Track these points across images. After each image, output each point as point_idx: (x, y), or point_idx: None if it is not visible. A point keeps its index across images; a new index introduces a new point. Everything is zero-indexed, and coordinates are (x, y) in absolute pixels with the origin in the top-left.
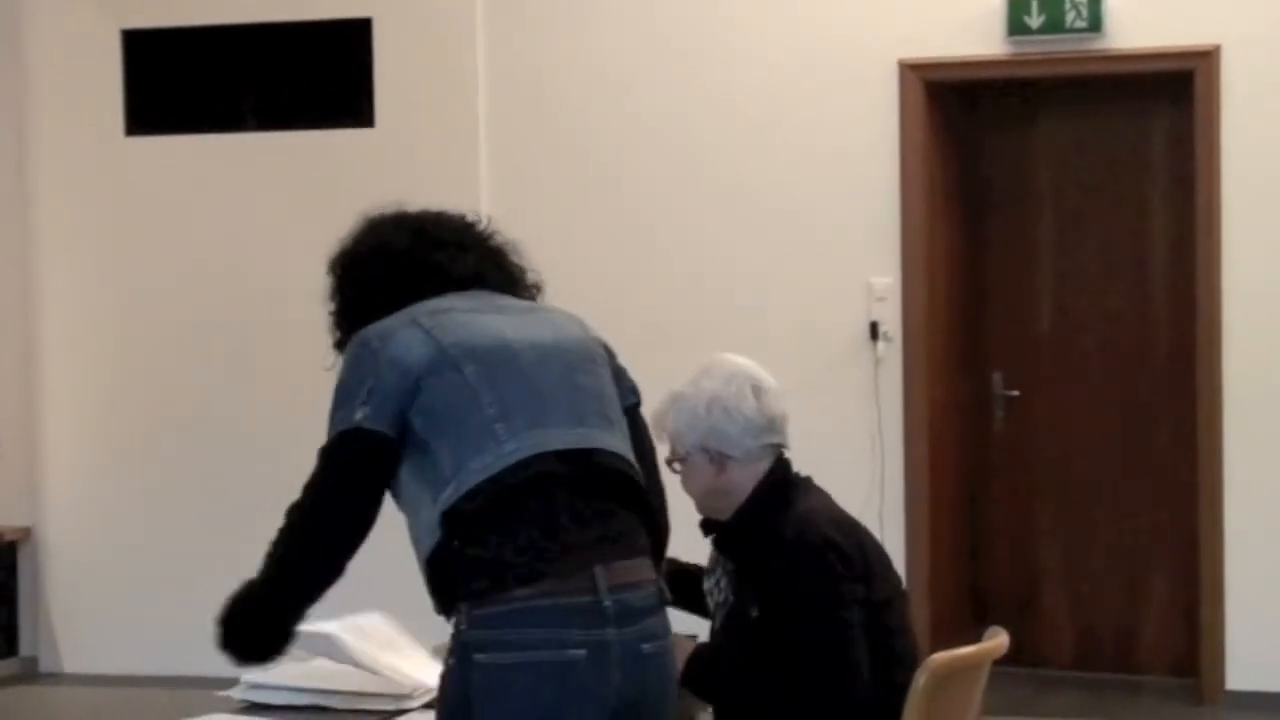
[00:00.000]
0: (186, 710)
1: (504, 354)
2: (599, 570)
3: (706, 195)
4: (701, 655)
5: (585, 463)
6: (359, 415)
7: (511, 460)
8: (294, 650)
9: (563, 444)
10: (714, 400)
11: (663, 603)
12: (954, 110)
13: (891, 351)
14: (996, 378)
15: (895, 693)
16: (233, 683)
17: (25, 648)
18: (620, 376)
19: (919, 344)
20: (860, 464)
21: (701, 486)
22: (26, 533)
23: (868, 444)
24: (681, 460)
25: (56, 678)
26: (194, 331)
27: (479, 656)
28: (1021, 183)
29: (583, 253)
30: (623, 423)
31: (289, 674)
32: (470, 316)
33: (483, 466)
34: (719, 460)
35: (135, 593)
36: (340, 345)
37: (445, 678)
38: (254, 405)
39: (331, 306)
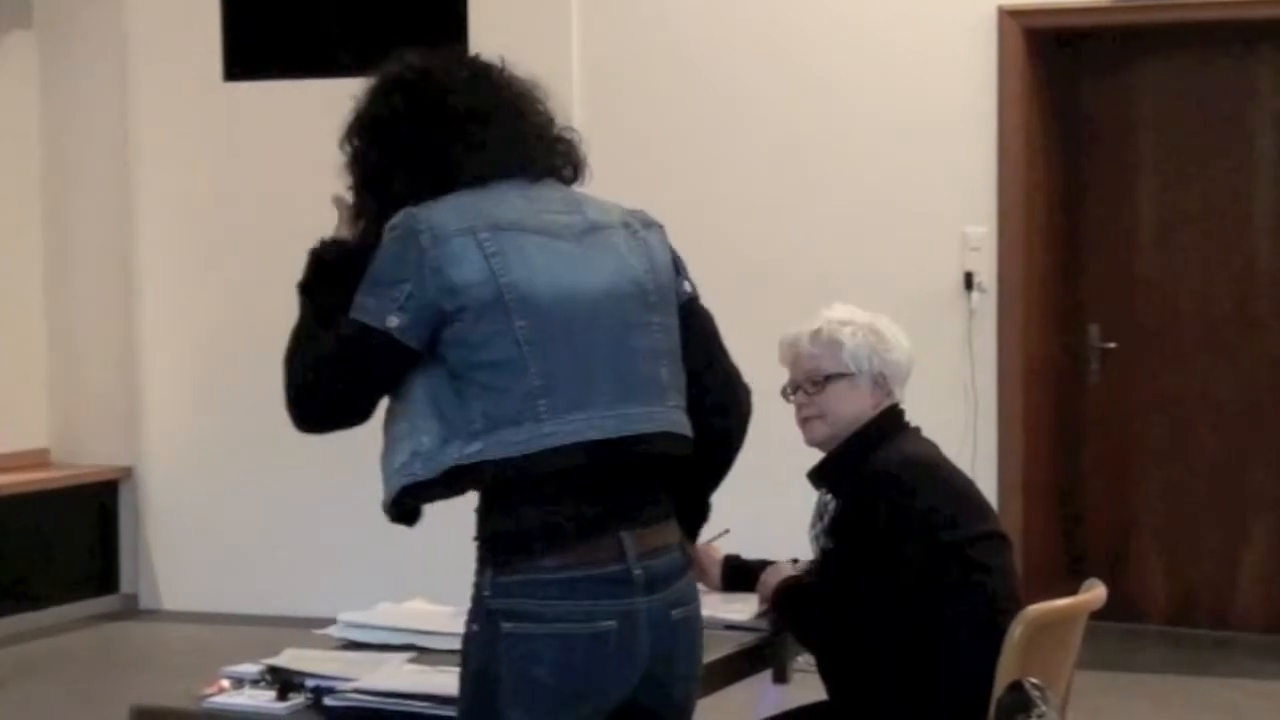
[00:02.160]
0: (284, 648)
1: (559, 309)
2: (626, 537)
3: (801, 143)
4: (787, 587)
5: (623, 451)
6: (393, 322)
7: (547, 445)
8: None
9: (602, 433)
10: (897, 338)
11: (689, 565)
12: (1054, 58)
13: (986, 302)
14: (1093, 329)
15: (990, 630)
16: (330, 621)
17: (125, 585)
18: (678, 268)
19: (1014, 295)
20: (953, 415)
21: (852, 413)
22: (127, 472)
23: (961, 395)
24: (845, 378)
25: (156, 614)
26: (291, 274)
27: (506, 625)
28: (1121, 132)
29: (677, 199)
30: (677, 372)
31: (386, 614)
32: (530, 242)
33: (516, 442)
34: (880, 395)
35: (234, 532)
36: (373, 228)
37: (469, 642)
38: None
39: (351, 179)
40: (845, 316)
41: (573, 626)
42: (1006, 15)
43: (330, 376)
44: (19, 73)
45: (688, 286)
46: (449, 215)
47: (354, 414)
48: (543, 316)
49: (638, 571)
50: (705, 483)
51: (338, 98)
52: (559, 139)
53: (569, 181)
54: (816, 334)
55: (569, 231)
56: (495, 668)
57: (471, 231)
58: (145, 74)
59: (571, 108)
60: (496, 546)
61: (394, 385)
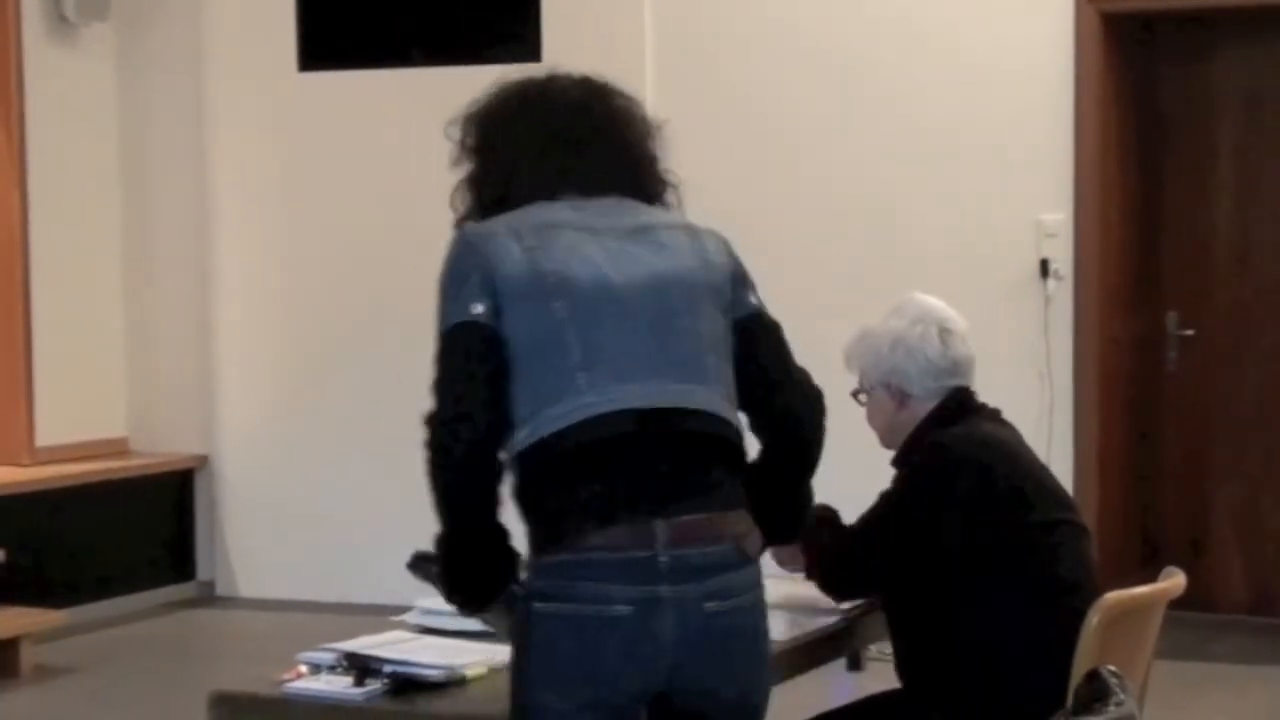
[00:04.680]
0: (361, 634)
1: (599, 292)
2: (660, 525)
3: (875, 129)
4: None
5: (665, 424)
6: (477, 309)
7: (588, 414)
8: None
9: (644, 402)
10: (898, 340)
11: (744, 560)
12: (1131, 41)
13: (1062, 289)
14: (1170, 316)
15: (1062, 615)
16: (406, 609)
17: (202, 572)
18: (739, 285)
19: (1091, 281)
20: (1029, 402)
21: (883, 421)
22: (203, 461)
23: (1037, 382)
24: (866, 394)
25: (232, 601)
26: (365, 263)
27: (537, 605)
28: (1200, 116)
29: (748, 186)
30: (723, 366)
31: None
32: (577, 238)
33: (558, 416)
34: (899, 397)
35: (310, 519)
36: (463, 220)
37: (515, 621)
38: (426, 337)
39: (463, 172)
40: (869, 326)
41: (586, 608)
42: (1084, 0)
43: (448, 395)
44: (96, 65)
45: (753, 300)
46: (494, 224)
47: (498, 415)
48: (581, 299)
49: (664, 559)
50: (787, 488)
51: (411, 88)
52: (638, 165)
53: (646, 201)
54: (848, 355)
55: (613, 231)
56: (528, 646)
57: (514, 233)
58: (221, 65)
59: (644, 74)
60: (536, 530)
61: (503, 380)
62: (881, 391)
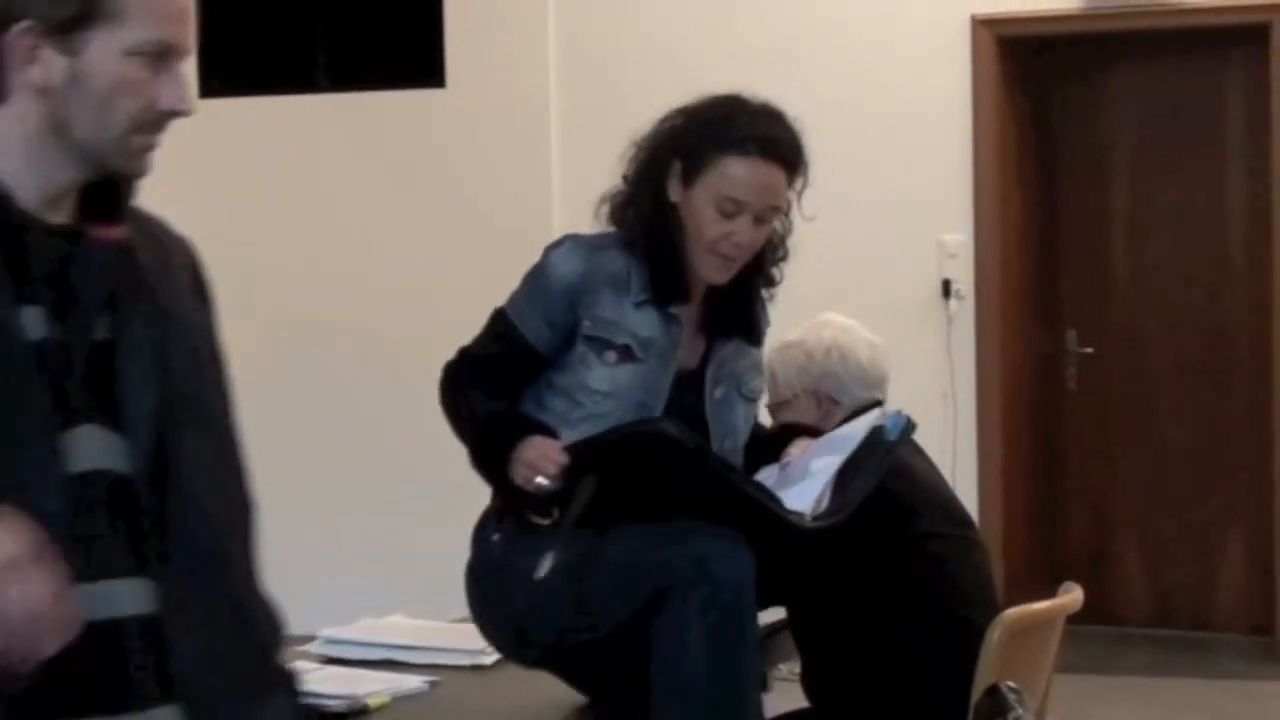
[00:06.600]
0: None
1: None
2: None
3: None
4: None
5: None
6: None
7: None
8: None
9: None
10: (834, 346)
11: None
12: (1027, 66)
13: (964, 309)
14: (1070, 335)
15: (959, 630)
16: (310, 639)
17: None
18: None
19: (992, 301)
20: (934, 421)
21: None
22: None
23: (940, 402)
24: (785, 404)
25: None
26: (267, 291)
27: None
28: (1095, 138)
29: None
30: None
31: (365, 630)
32: None
33: None
34: (826, 405)
35: None
36: None
37: None
38: (328, 363)
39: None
40: (794, 338)
41: None
42: (979, 24)
43: None
44: None
45: None
46: None
47: None
48: None
49: None
50: None
51: (314, 113)
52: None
53: None
54: (765, 366)
55: None
56: None
57: None
58: None
59: (549, 99)
60: None
61: None
62: (806, 400)
